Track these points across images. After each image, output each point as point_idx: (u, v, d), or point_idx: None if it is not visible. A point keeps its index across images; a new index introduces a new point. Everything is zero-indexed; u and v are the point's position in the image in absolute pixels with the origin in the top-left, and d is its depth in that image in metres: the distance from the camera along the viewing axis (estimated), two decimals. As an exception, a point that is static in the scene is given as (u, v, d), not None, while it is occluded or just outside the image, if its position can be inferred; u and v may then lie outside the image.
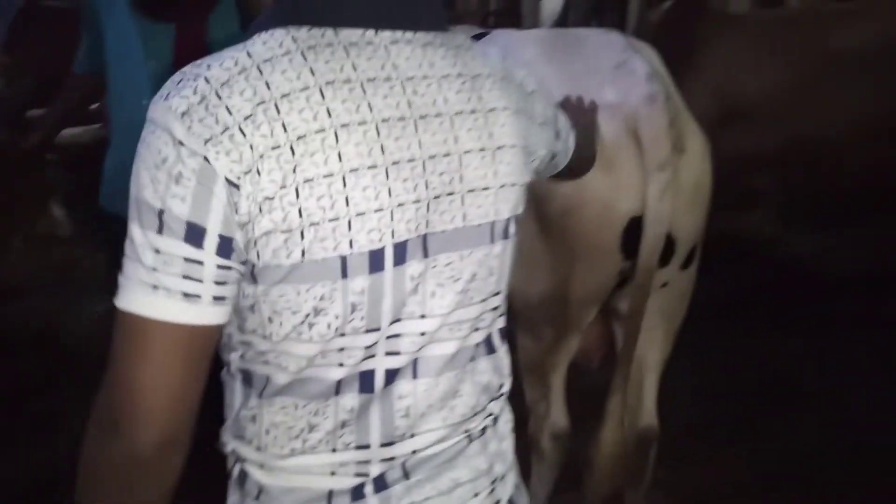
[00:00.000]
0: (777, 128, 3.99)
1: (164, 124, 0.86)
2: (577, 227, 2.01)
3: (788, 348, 3.72)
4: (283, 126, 0.86)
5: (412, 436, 1.04)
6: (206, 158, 0.84)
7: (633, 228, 1.98)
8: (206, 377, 0.92)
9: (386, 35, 0.96)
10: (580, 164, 1.49)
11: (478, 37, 2.69)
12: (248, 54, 0.89)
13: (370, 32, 0.94)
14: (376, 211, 0.91)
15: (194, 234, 0.85)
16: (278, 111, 0.86)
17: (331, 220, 0.88)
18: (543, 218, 2.05)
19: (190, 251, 0.85)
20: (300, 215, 0.87)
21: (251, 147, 0.85)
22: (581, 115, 1.73)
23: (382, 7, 0.96)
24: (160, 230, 0.85)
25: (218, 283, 0.88)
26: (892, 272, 4.30)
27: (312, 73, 0.89)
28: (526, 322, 2.23)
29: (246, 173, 0.85)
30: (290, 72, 0.88)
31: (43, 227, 4.39)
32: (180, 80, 0.88)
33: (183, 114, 0.85)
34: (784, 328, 3.93)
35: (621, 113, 1.98)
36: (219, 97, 0.85)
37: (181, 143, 0.85)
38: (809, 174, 5.52)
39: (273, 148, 0.85)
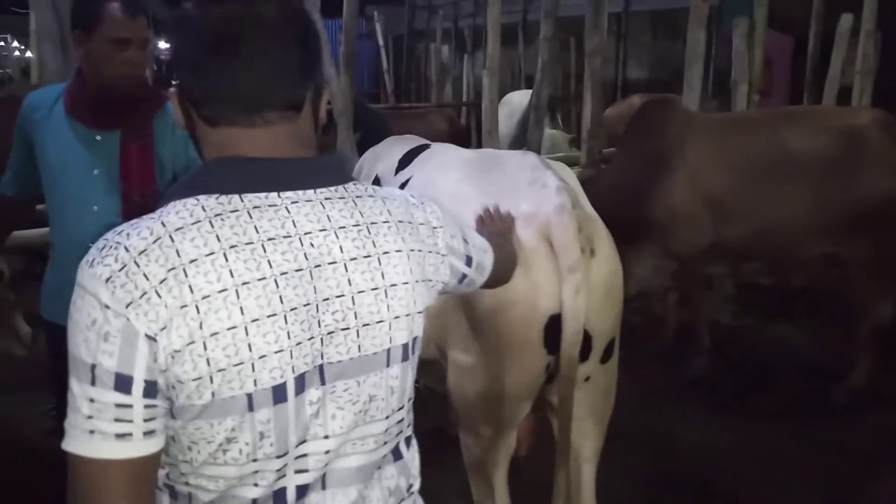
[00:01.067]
0: (741, 219, 4.24)
1: (92, 290, 0.99)
2: (504, 325, 2.18)
3: (727, 438, 3.85)
4: (190, 288, 0.99)
5: None
6: (128, 319, 0.98)
7: (554, 325, 2.15)
8: (153, 499, 1.06)
9: (288, 195, 1.09)
10: (501, 274, 1.66)
11: (419, 149, 2.93)
12: (163, 224, 1.03)
13: (273, 195, 1.08)
14: (276, 352, 1.04)
15: (123, 383, 0.98)
16: (186, 275, 1.00)
17: (236, 365, 1.02)
18: (474, 318, 2.23)
19: (119, 398, 0.98)
20: (208, 364, 1.00)
21: (165, 306, 0.98)
22: (499, 226, 1.98)
23: (283, 173, 1.10)
24: (93, 382, 0.98)
25: (147, 419, 1.00)
26: (830, 365, 4.45)
27: (218, 239, 1.03)
28: (466, 421, 2.37)
29: (161, 329, 0.98)
30: (198, 239, 1.02)
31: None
32: (103, 248, 1.02)
33: (107, 280, 0.99)
34: (724, 415, 4.08)
35: (535, 222, 2.18)
36: (137, 265, 0.99)
37: (107, 307, 0.98)
38: (765, 265, 5.78)
39: (181, 307, 0.99)
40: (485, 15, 13.33)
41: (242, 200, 1.06)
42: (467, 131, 9.60)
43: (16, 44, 15.40)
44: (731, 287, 5.51)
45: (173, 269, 1.00)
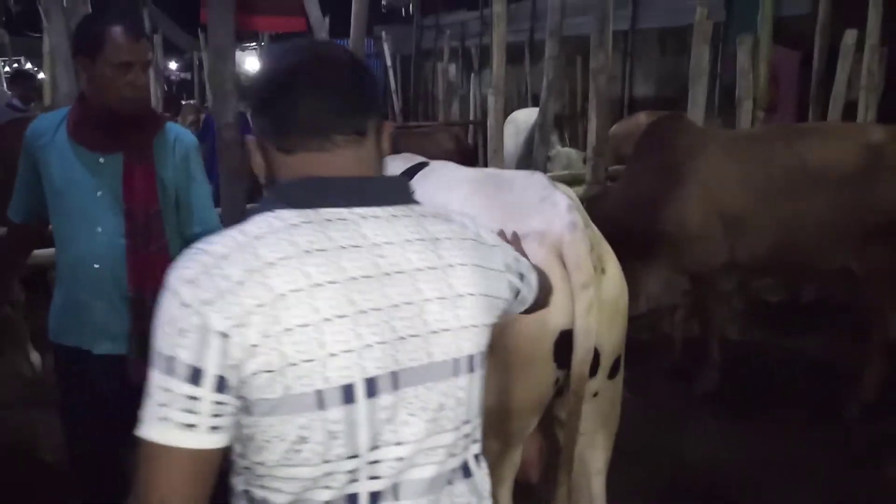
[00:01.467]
0: (756, 236, 4.26)
1: (174, 289, 1.10)
2: (514, 341, 2.17)
3: (736, 452, 3.84)
4: (267, 288, 1.08)
5: None
6: (204, 316, 1.07)
7: (564, 341, 2.16)
8: (209, 498, 1.12)
9: (358, 210, 1.20)
10: (542, 296, 1.69)
11: (417, 167, 2.94)
12: (243, 232, 1.14)
13: (344, 210, 1.19)
14: (345, 352, 1.11)
15: (195, 376, 1.07)
16: (263, 276, 1.09)
17: (306, 361, 1.09)
18: (483, 334, 2.22)
19: (191, 390, 1.07)
20: (281, 359, 1.08)
21: (241, 305, 1.07)
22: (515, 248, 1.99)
23: (353, 190, 1.21)
24: (169, 373, 1.07)
25: (214, 414, 1.08)
26: (839, 378, 4.44)
27: (294, 245, 1.12)
28: (473, 435, 2.37)
29: (237, 326, 1.07)
30: (275, 245, 1.12)
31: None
32: (189, 255, 1.13)
33: (188, 280, 1.09)
34: (732, 429, 4.07)
35: (547, 240, 2.19)
36: (217, 268, 1.10)
37: (186, 305, 1.08)
38: (776, 281, 5.76)
39: (258, 305, 1.07)
40: (491, 34, 13.42)
41: (317, 213, 1.17)
42: (474, 149, 9.63)
43: (29, 66, 15.59)
44: (739, 302, 5.49)
45: (251, 270, 1.09)
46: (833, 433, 3.95)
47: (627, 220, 4.06)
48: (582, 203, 2.48)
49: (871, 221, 4.00)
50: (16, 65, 12.96)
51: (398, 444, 1.17)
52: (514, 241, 2.06)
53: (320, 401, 1.10)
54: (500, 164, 5.08)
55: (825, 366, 4.75)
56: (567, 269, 2.15)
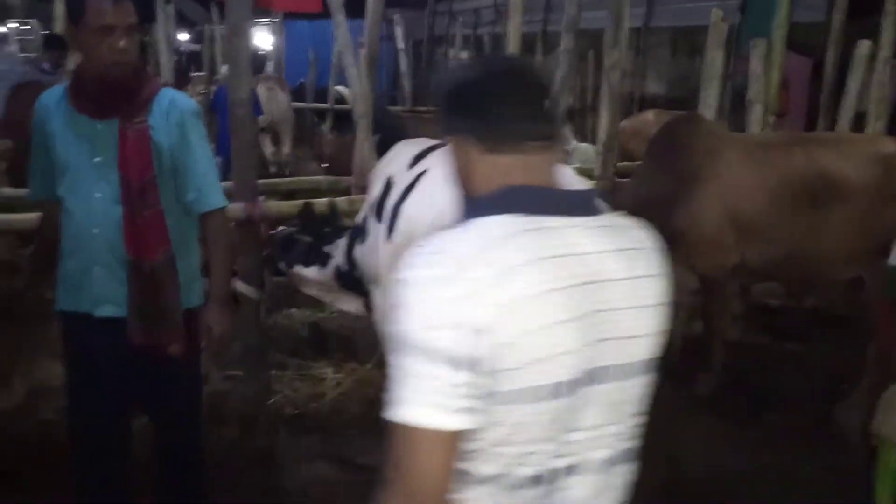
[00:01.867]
0: (769, 241, 4.24)
1: (426, 285, 1.21)
2: None
3: (735, 455, 3.81)
4: (512, 289, 1.20)
5: None
6: (458, 314, 1.18)
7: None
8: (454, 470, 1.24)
9: (563, 220, 1.31)
10: None
11: (433, 147, 2.98)
12: (480, 235, 1.25)
13: (552, 218, 1.30)
14: (565, 353, 1.24)
15: (455, 364, 1.17)
16: (507, 279, 1.20)
17: (540, 360, 1.22)
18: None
19: (452, 376, 1.18)
20: (522, 355, 1.20)
21: (493, 304, 1.18)
22: None
23: (563, 202, 1.34)
24: (430, 361, 1.18)
25: (468, 398, 1.19)
26: (840, 384, 4.40)
27: (531, 251, 1.24)
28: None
29: (488, 323, 1.18)
30: (515, 249, 1.23)
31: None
32: (431, 253, 1.24)
33: (443, 279, 1.20)
34: (732, 432, 4.04)
35: None
36: (471, 267, 1.20)
37: (443, 301, 1.19)
38: (784, 286, 5.71)
39: (504, 305, 1.19)
40: (504, 23, 13.33)
41: (537, 221, 1.28)
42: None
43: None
44: (739, 305, 5.44)
45: (500, 272, 1.20)
46: (831, 439, 3.89)
47: (641, 217, 4.00)
48: None
49: (887, 234, 3.96)
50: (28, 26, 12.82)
51: (586, 429, 1.33)
52: None
53: (543, 394, 1.24)
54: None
55: (824, 372, 4.70)
56: None
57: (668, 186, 4.33)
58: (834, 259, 4.23)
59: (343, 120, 9.54)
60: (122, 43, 2.41)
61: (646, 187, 4.50)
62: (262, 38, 15.20)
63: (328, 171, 7.06)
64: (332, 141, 6.68)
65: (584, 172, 4.94)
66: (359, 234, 3.38)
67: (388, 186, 3.06)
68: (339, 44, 4.52)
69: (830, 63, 6.61)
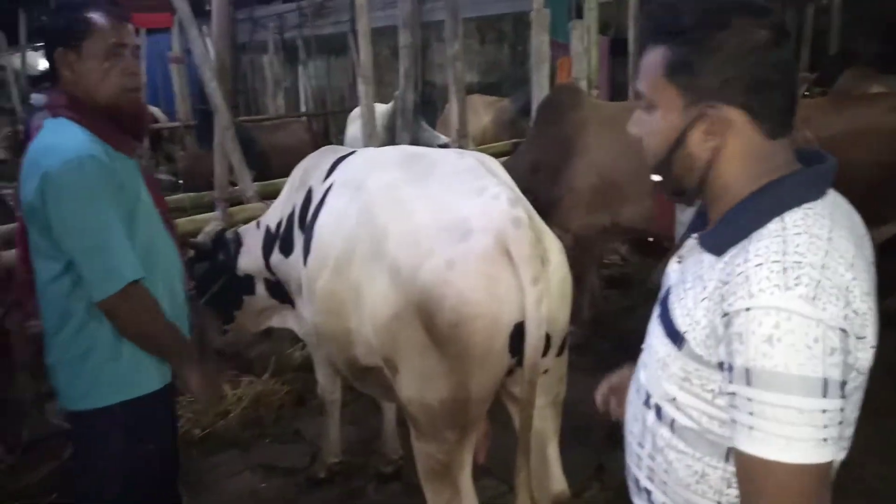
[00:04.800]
0: (638, 203, 4.35)
1: (801, 310, 1.04)
2: (468, 337, 2.10)
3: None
4: (858, 287, 1.09)
5: None
6: (842, 330, 1.05)
7: (518, 332, 2.11)
8: None
9: (829, 205, 1.19)
10: None
11: (343, 158, 2.87)
12: (812, 235, 1.11)
13: (823, 205, 1.17)
14: (871, 346, 1.14)
15: (840, 390, 1.05)
16: (856, 277, 1.09)
17: (864, 354, 1.12)
18: (434, 330, 2.13)
19: (838, 404, 1.05)
20: (867, 359, 1.12)
21: (857, 311, 1.08)
22: None
23: (822, 183, 1.20)
24: (824, 394, 1.03)
25: (840, 422, 1.07)
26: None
27: (849, 241, 1.14)
28: (428, 428, 2.28)
29: (856, 330, 1.08)
30: (842, 244, 1.12)
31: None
32: (785, 270, 1.07)
33: (812, 298, 1.04)
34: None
35: (492, 235, 2.11)
36: (826, 277, 1.07)
37: (822, 321, 1.04)
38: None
39: (857, 305, 1.08)
40: (310, 26, 13.02)
41: (822, 209, 1.16)
42: (325, 139, 9.39)
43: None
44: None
45: (847, 268, 1.09)
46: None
47: (529, 181, 4.04)
48: None
49: None
50: None
51: (849, 424, 1.20)
52: None
53: (858, 394, 1.16)
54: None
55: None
56: (515, 266, 2.09)
57: (549, 153, 4.48)
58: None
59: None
60: (134, 64, 2.12)
61: (533, 155, 4.63)
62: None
63: (185, 188, 6.64)
64: (182, 157, 6.31)
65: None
66: (272, 241, 3.12)
67: (308, 198, 2.87)
68: (197, 56, 4.24)
69: (632, 38, 6.94)
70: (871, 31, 7.89)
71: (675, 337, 1.23)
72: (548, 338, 2.17)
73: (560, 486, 2.42)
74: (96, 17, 2.04)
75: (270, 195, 4.23)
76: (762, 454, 1.06)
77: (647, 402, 1.34)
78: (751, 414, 1.07)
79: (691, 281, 1.24)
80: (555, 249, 2.27)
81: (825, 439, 1.04)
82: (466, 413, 2.22)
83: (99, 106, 2.08)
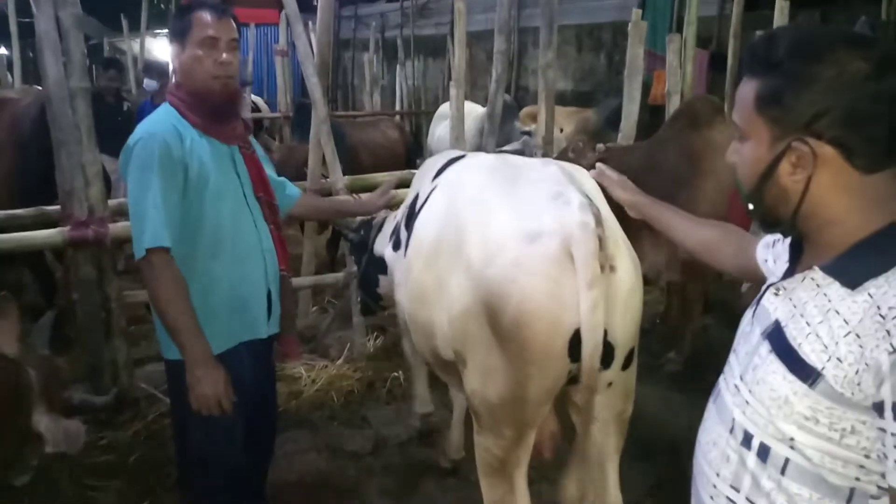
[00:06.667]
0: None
1: None
2: (528, 337, 2.12)
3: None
4: None
5: None
6: None
7: (577, 338, 2.10)
8: None
9: None
10: None
11: (452, 161, 2.92)
12: None
13: None
14: None
15: None
16: None
17: None
18: (498, 328, 2.17)
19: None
20: None
21: None
22: None
23: None
24: None
25: None
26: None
27: None
28: (488, 423, 2.31)
29: None
30: None
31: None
32: None
33: None
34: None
35: (559, 238, 2.12)
36: None
37: None
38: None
39: None
40: (410, 27, 13.18)
41: None
42: (416, 139, 9.52)
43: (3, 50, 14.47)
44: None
45: None
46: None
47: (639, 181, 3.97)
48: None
49: None
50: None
51: None
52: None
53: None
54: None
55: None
56: (575, 268, 2.10)
57: (674, 161, 4.40)
58: None
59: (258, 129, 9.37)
60: (227, 56, 2.37)
61: (657, 153, 4.54)
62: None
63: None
64: (278, 147, 6.49)
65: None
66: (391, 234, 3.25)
67: (417, 197, 2.94)
68: (301, 54, 4.39)
69: (731, 54, 6.80)
70: None
71: (807, 374, 1.18)
72: (611, 348, 2.17)
73: (614, 502, 2.40)
74: (196, 14, 2.34)
75: (358, 189, 4.33)
76: None
77: (746, 443, 1.30)
78: None
79: (818, 315, 1.19)
80: (624, 257, 2.25)
81: None
82: (524, 412, 2.23)
83: (192, 91, 2.38)
